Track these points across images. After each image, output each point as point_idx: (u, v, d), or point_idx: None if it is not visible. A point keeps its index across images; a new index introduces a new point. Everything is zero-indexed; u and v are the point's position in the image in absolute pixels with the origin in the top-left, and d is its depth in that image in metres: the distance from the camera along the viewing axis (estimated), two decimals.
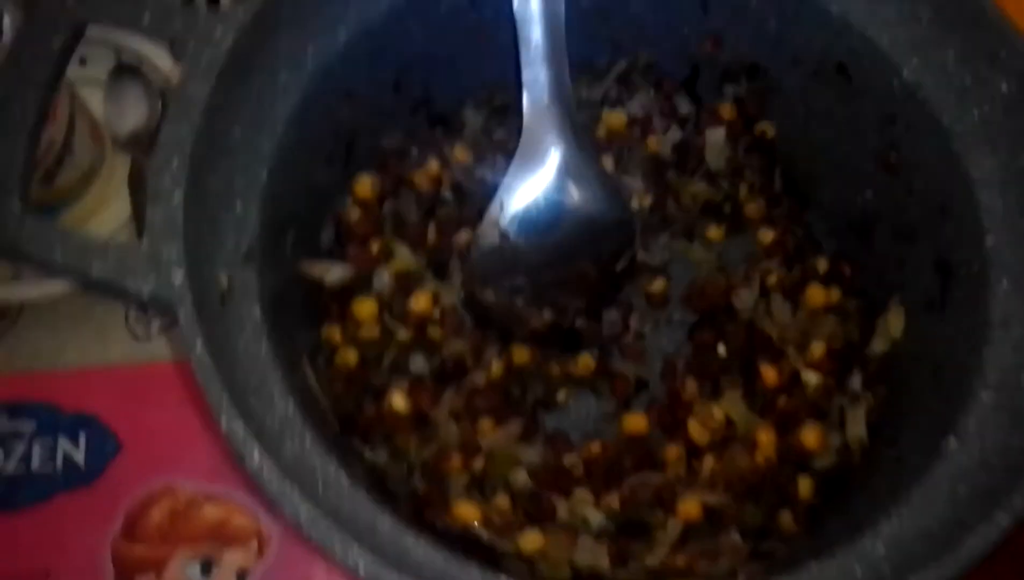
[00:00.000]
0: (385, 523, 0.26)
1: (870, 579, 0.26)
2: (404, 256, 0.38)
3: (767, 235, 0.42)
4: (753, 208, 0.42)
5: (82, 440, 0.40)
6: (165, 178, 0.27)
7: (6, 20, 0.35)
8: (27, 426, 0.41)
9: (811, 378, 0.37)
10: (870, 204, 0.39)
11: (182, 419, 0.41)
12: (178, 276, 0.26)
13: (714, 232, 0.42)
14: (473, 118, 0.43)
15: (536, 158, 0.37)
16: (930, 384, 0.33)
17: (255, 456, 0.24)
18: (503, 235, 0.37)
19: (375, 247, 0.38)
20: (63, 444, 0.40)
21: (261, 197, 0.31)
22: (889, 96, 0.35)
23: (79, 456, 0.40)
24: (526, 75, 0.36)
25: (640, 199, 0.42)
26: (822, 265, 0.41)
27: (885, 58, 0.35)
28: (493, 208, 0.37)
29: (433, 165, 0.41)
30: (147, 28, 0.29)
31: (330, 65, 0.35)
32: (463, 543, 0.32)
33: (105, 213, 0.45)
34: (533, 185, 0.37)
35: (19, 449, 0.40)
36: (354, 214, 0.38)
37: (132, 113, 0.47)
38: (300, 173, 0.35)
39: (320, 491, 0.25)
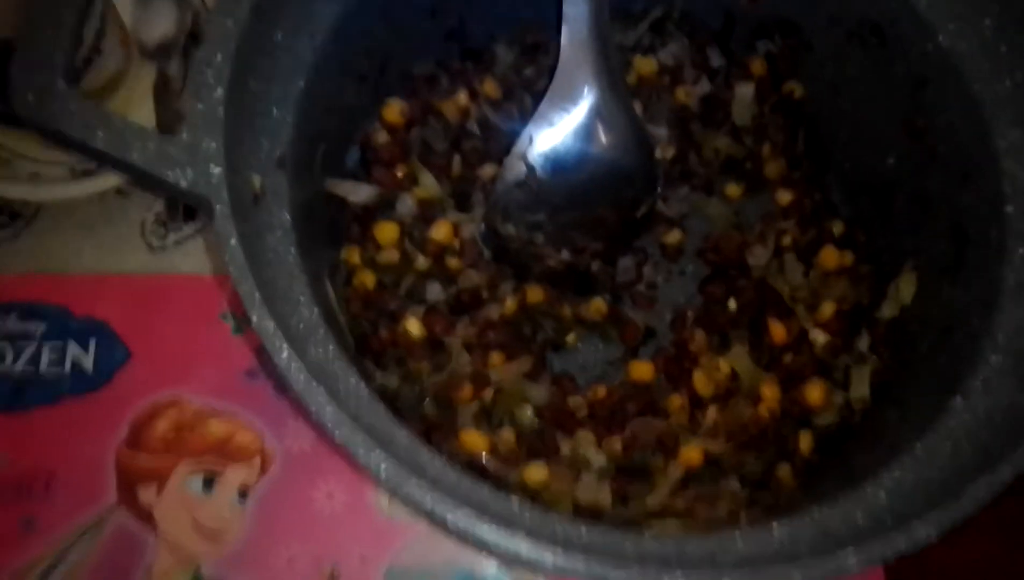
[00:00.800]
0: (402, 437, 0.26)
1: (871, 525, 0.27)
2: (428, 183, 0.38)
3: (785, 196, 0.42)
4: (774, 168, 0.42)
5: (91, 346, 0.41)
6: (208, 73, 0.27)
7: None
8: (37, 327, 0.41)
9: (819, 337, 0.37)
10: (891, 170, 0.39)
11: (192, 333, 0.41)
12: (216, 171, 0.26)
13: (733, 189, 0.42)
14: (504, 54, 0.42)
15: (570, 95, 0.37)
16: (938, 347, 0.34)
17: (284, 352, 0.24)
18: (529, 169, 0.37)
19: (400, 172, 0.38)
20: (72, 349, 0.40)
21: (296, 106, 0.31)
22: (922, 60, 0.36)
23: (88, 362, 0.40)
24: (567, 8, 0.36)
25: (663, 150, 0.42)
26: (837, 228, 0.41)
27: (922, 22, 0.35)
28: (521, 141, 0.37)
29: (462, 97, 0.41)
30: None
31: None
32: (469, 471, 0.33)
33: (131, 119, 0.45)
34: (564, 122, 0.37)
35: (28, 350, 0.40)
36: (381, 137, 0.38)
37: (160, 23, 0.46)
38: (334, 87, 0.35)
39: (342, 394, 0.26)
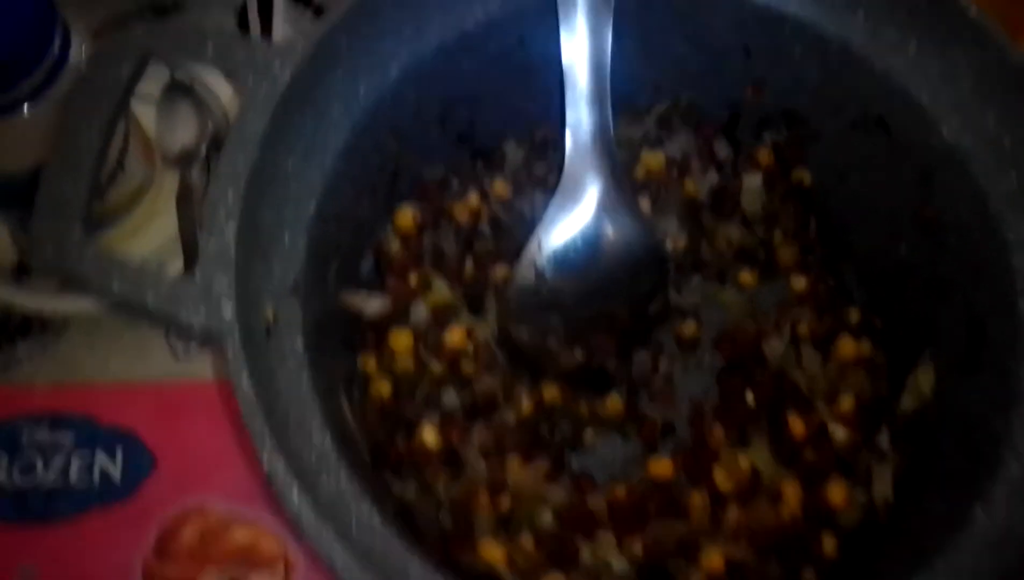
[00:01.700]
0: (415, 566, 0.26)
1: None
2: (441, 289, 0.39)
3: (799, 282, 0.42)
4: (787, 254, 0.42)
5: (119, 455, 0.41)
6: (220, 210, 0.28)
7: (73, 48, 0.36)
8: (67, 438, 0.42)
9: (839, 432, 0.37)
10: (904, 257, 0.39)
11: (216, 437, 0.42)
12: (228, 309, 0.27)
13: (747, 277, 0.42)
14: (514, 153, 0.43)
15: (575, 197, 0.38)
16: (959, 448, 0.33)
17: (294, 497, 0.24)
18: (539, 274, 0.38)
19: (413, 279, 0.39)
20: (100, 458, 0.41)
21: (308, 228, 0.32)
22: (928, 153, 0.36)
23: (115, 471, 0.41)
24: (570, 116, 0.37)
25: (674, 241, 0.42)
26: (854, 316, 0.41)
27: (925, 115, 0.35)
28: (531, 247, 0.37)
29: (473, 198, 0.42)
30: (210, 59, 0.30)
31: (381, 100, 0.35)
32: None
33: (151, 229, 0.46)
34: (571, 224, 0.38)
35: (58, 461, 0.41)
36: (394, 245, 0.39)
37: (183, 131, 0.48)
38: (346, 204, 0.35)
39: (354, 530, 0.26)
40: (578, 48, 0.37)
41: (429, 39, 0.36)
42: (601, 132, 0.37)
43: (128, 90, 0.29)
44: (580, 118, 0.37)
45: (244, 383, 0.25)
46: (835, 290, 0.42)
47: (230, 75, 0.30)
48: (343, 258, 0.36)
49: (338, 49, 0.32)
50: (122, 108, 0.29)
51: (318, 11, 0.53)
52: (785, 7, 0.37)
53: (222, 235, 0.28)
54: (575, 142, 0.37)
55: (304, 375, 0.29)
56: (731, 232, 0.43)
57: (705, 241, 0.43)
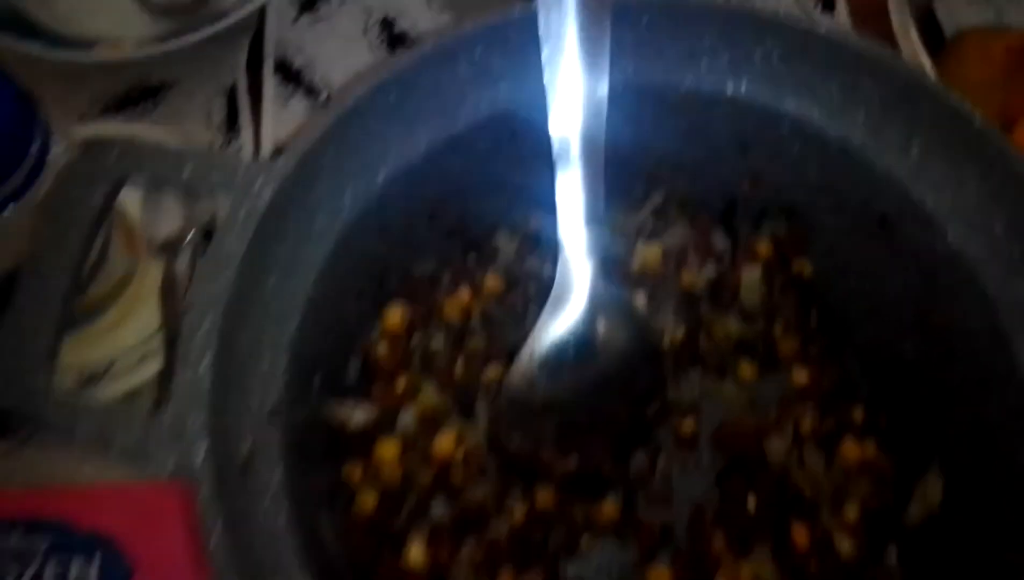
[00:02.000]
0: None
1: None
2: (430, 394, 0.37)
3: (801, 375, 0.41)
4: (787, 346, 0.41)
5: (96, 561, 0.40)
6: (195, 342, 0.27)
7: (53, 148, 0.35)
8: (41, 543, 0.40)
9: (844, 544, 0.35)
10: (909, 358, 0.38)
11: (195, 539, 0.40)
12: (200, 450, 0.25)
13: (747, 370, 0.41)
14: (507, 245, 0.42)
15: (568, 297, 0.37)
16: (969, 566, 0.32)
17: None
18: (532, 381, 0.36)
19: (401, 384, 0.37)
20: (76, 564, 0.39)
21: (290, 347, 0.31)
22: (932, 256, 0.35)
23: (92, 578, 0.39)
24: (562, 210, 0.36)
25: (672, 334, 0.41)
26: (858, 414, 0.39)
27: (929, 219, 0.34)
28: (523, 354, 0.36)
29: (464, 294, 0.40)
30: (187, 182, 0.29)
31: (368, 205, 0.34)
32: None
33: (134, 321, 0.45)
34: (564, 325, 0.37)
35: (32, 568, 0.39)
36: (381, 348, 0.38)
37: (168, 219, 0.47)
38: (331, 314, 0.34)
39: None
40: (571, 140, 0.35)
41: (418, 143, 0.35)
42: (595, 230, 0.36)
43: (99, 219, 0.27)
44: (572, 212, 0.36)
45: (215, 540, 0.24)
46: (838, 384, 0.41)
47: (209, 195, 0.28)
48: (328, 367, 0.35)
49: (322, 161, 0.31)
50: (93, 238, 0.28)
51: (310, 90, 0.53)
52: (783, 105, 0.36)
53: (196, 368, 0.27)
54: (567, 237, 0.36)
55: (282, 513, 0.27)
56: (730, 324, 0.41)
57: (703, 334, 0.41)
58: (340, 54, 0.54)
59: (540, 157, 0.37)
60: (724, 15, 0.34)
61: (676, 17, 0.35)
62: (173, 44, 0.49)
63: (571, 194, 0.36)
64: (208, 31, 0.49)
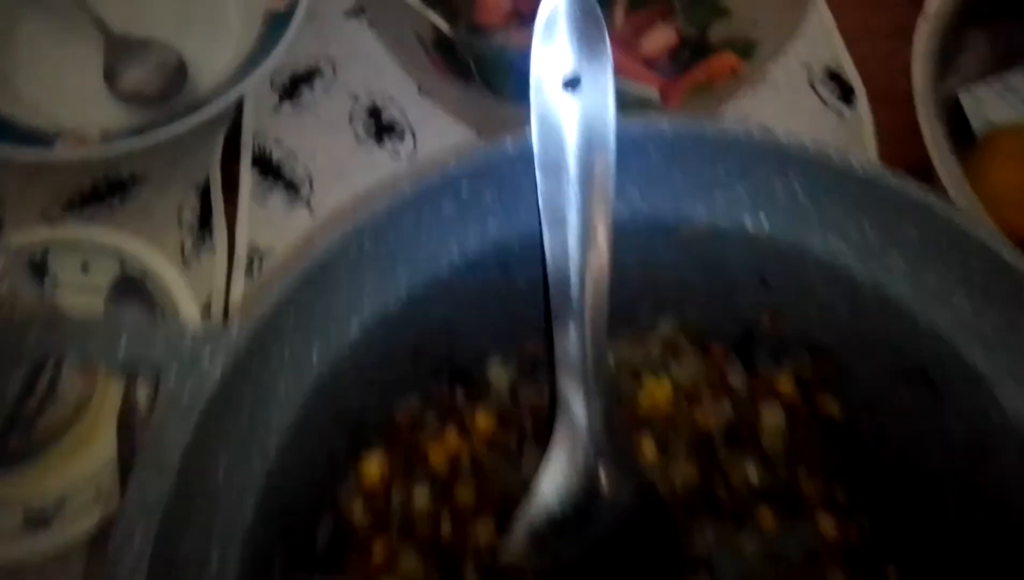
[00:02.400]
0: None
1: None
2: (411, 562, 0.33)
3: (828, 525, 0.36)
4: (812, 492, 0.37)
5: None
6: (125, 558, 0.23)
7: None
8: None
9: None
10: (953, 523, 0.33)
11: None
12: None
13: (767, 519, 0.37)
14: (499, 375, 0.38)
15: (566, 450, 0.33)
16: None
17: None
18: (527, 551, 0.32)
19: (379, 552, 0.33)
20: None
21: (245, 538, 0.27)
22: (982, 419, 0.30)
23: None
24: (558, 344, 0.32)
25: (684, 479, 0.37)
26: (892, 576, 0.35)
27: (977, 377, 0.30)
28: (517, 521, 0.32)
29: (451, 437, 0.36)
30: (124, 361, 0.25)
31: (339, 357, 0.30)
32: None
33: (90, 450, 0.41)
34: (562, 486, 0.33)
35: None
36: (357, 508, 0.34)
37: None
38: (296, 481, 0.30)
39: None
40: (570, 284, 0.32)
41: (397, 288, 0.31)
42: (595, 361, 0.32)
43: (17, 408, 0.23)
44: (569, 346, 0.32)
45: None
46: (869, 538, 0.36)
47: (150, 372, 0.24)
48: (293, 540, 0.31)
49: (282, 324, 0.27)
50: (9, 431, 0.23)
51: (290, 185, 0.49)
52: (808, 243, 0.32)
53: None
54: (565, 383, 0.32)
55: None
56: (748, 469, 0.37)
57: (719, 480, 0.37)
58: (324, 145, 0.50)
59: (538, 286, 0.33)
60: (742, 144, 0.30)
61: (687, 146, 0.31)
62: (140, 141, 0.45)
63: (570, 344, 0.32)
64: (181, 126, 0.46)
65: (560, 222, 0.30)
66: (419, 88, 0.51)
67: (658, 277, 0.36)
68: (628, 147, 0.30)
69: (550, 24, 0.29)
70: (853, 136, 0.51)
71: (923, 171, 0.48)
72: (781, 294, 0.35)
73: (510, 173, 0.31)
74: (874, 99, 0.53)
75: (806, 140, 0.30)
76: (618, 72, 0.47)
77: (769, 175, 0.31)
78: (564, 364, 0.32)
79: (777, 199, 0.31)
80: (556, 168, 0.29)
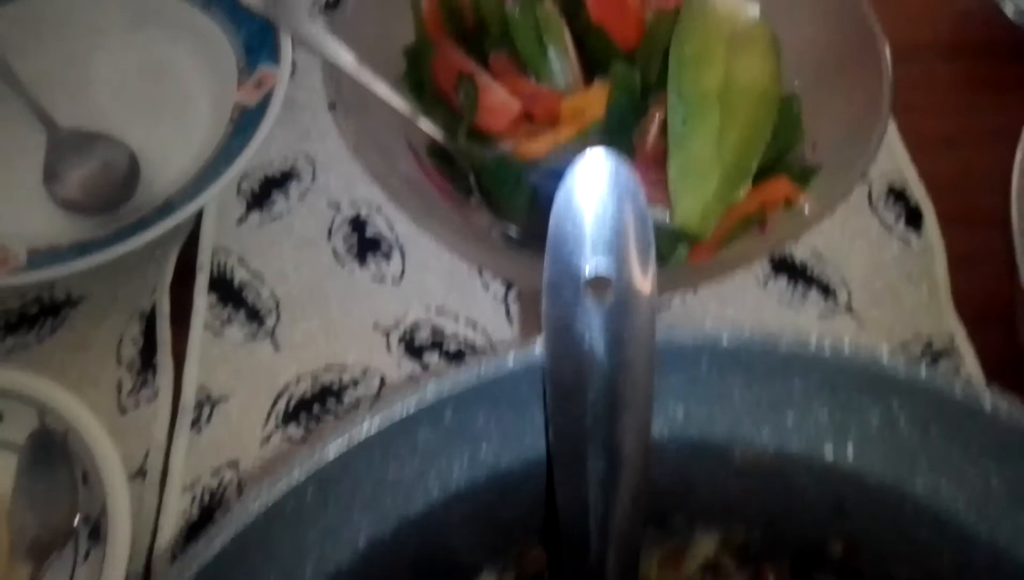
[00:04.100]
0: None
1: None
2: None
3: None
4: None
5: None
6: None
7: None
8: None
9: None
10: None
11: None
12: None
13: None
14: None
15: None
16: None
17: None
18: None
19: None
20: None
21: None
22: None
23: None
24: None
25: None
26: None
27: None
28: None
29: None
30: None
31: None
32: None
33: None
34: None
35: None
36: None
37: (44, 504, 0.35)
38: None
39: None
40: (589, 520, 0.24)
41: (352, 541, 0.23)
42: None
43: None
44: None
45: None
46: None
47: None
48: None
49: (269, 537, 0.20)
50: None
51: (253, 314, 0.41)
52: (908, 484, 0.24)
53: None
54: None
55: None
56: None
57: None
58: (296, 264, 0.43)
59: (540, 501, 0.25)
60: (827, 361, 0.23)
61: (753, 359, 0.23)
62: (71, 267, 0.38)
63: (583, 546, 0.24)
64: (125, 247, 0.38)
65: (576, 463, 0.22)
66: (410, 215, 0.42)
67: (699, 491, 0.28)
68: (672, 358, 0.23)
69: (568, 201, 0.21)
70: (921, 268, 0.43)
71: (1005, 311, 0.41)
72: (861, 524, 0.27)
73: (512, 388, 0.23)
74: (943, 220, 0.45)
75: (917, 365, 0.22)
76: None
77: (863, 400, 0.23)
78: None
79: (871, 429, 0.23)
80: (573, 393, 0.22)
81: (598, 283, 0.21)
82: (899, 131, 0.48)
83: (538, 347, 0.22)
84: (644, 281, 0.21)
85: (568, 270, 0.21)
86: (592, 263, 0.21)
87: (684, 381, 0.24)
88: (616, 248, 0.21)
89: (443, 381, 0.22)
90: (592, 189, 0.21)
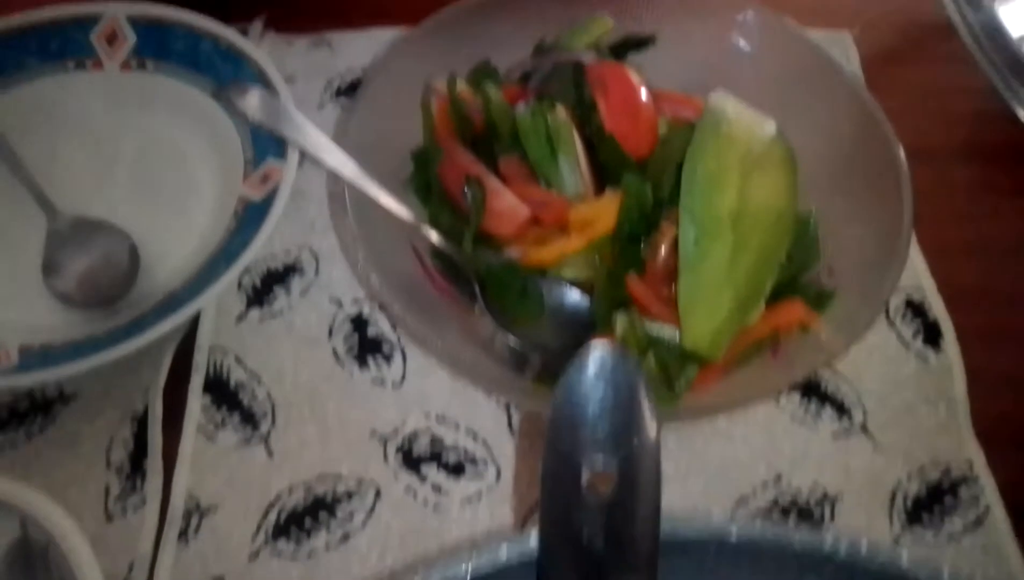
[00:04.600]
0: None
1: None
2: None
3: None
4: None
5: None
6: None
7: None
8: None
9: None
10: None
11: None
12: None
13: None
14: None
15: None
16: None
17: None
18: None
19: None
20: None
21: None
22: None
23: None
24: None
25: None
26: None
27: None
28: None
29: None
30: None
31: None
32: None
33: None
34: None
35: None
36: None
37: None
38: None
39: None
40: None
41: None
42: None
43: None
44: None
45: None
46: None
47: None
48: None
49: None
50: None
51: (247, 418, 0.40)
52: None
53: None
54: None
55: None
56: None
57: None
58: (295, 365, 0.41)
59: None
60: (844, 563, 0.21)
61: (763, 553, 0.21)
62: (64, 371, 0.37)
63: None
64: (120, 351, 0.37)
65: None
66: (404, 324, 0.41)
67: None
68: (675, 549, 0.21)
69: (569, 392, 0.20)
70: (940, 388, 0.42)
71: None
72: None
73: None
74: (963, 335, 0.43)
75: (938, 568, 0.20)
76: (646, 313, 0.38)
77: None
78: None
79: None
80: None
81: (598, 478, 0.20)
82: (917, 239, 0.46)
83: (533, 539, 0.21)
84: (646, 477, 0.20)
85: (567, 463, 0.20)
86: (592, 458, 0.20)
87: (690, 568, 0.22)
88: (617, 444, 0.20)
89: (431, 573, 0.20)
90: (594, 381, 0.19)
